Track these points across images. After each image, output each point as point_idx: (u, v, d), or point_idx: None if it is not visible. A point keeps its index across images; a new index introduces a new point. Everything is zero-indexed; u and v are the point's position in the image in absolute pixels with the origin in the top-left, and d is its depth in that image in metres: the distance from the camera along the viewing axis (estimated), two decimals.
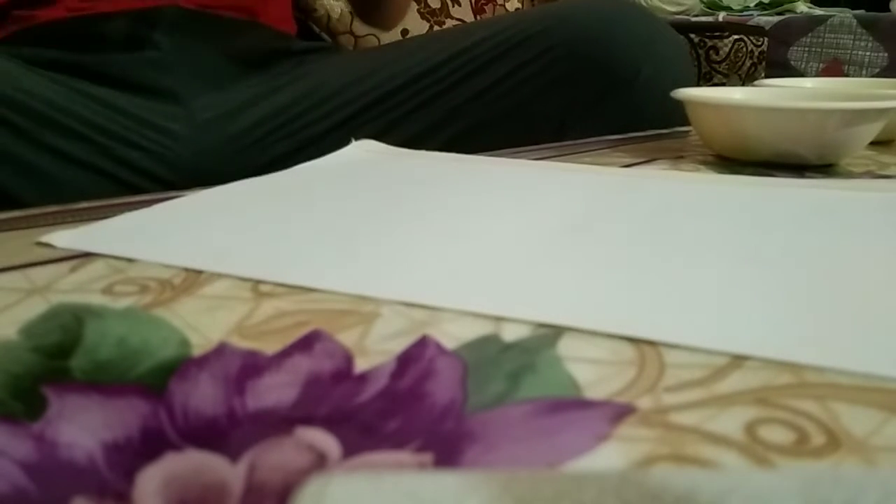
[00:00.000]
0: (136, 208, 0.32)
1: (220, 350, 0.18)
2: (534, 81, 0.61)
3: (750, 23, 2.21)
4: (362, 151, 0.47)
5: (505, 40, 0.62)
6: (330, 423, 0.15)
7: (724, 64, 2.06)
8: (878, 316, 0.20)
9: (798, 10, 2.37)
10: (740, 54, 2.09)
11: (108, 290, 0.22)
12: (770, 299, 0.21)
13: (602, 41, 0.60)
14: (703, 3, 2.47)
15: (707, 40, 2.06)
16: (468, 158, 0.45)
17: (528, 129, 0.61)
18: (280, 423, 0.15)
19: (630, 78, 0.61)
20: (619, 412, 0.15)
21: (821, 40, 2.13)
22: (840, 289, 0.22)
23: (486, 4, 1.19)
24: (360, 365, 0.17)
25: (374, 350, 0.18)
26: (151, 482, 0.13)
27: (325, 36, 1.00)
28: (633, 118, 0.62)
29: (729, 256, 0.26)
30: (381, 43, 0.99)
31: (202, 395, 0.16)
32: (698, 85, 2.03)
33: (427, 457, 0.14)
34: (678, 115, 0.65)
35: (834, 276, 0.24)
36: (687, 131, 0.60)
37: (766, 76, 2.09)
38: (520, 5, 1.26)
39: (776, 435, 0.14)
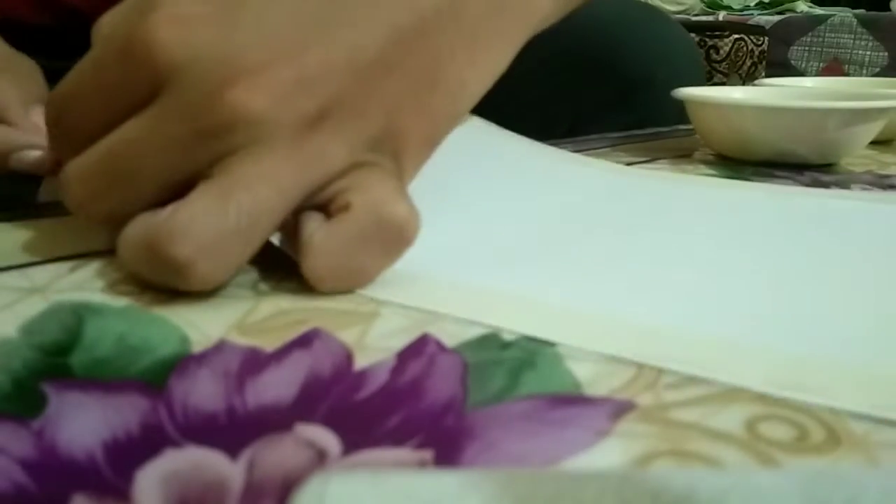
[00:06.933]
0: None
1: (220, 347, 0.18)
2: (542, 85, 0.59)
3: (750, 22, 2.21)
4: None
5: None
6: (330, 419, 0.15)
7: (724, 63, 2.06)
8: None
9: (798, 10, 2.38)
10: (740, 54, 2.09)
11: (107, 289, 0.22)
12: (771, 321, 0.20)
13: (614, 44, 0.58)
14: (704, 2, 2.47)
15: (707, 40, 2.06)
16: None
17: (538, 133, 0.59)
18: (280, 419, 0.15)
19: (644, 82, 0.59)
20: (619, 409, 0.15)
21: (821, 40, 2.13)
22: (840, 309, 0.22)
23: None
24: (360, 362, 0.17)
25: (374, 347, 0.18)
26: (151, 479, 0.13)
27: None
28: (647, 123, 0.60)
29: (727, 269, 0.25)
30: None
31: (202, 392, 0.16)
32: None
33: (427, 454, 0.14)
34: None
35: (835, 291, 0.24)
36: (687, 130, 0.60)
37: (767, 76, 2.09)
38: None
39: (777, 431, 0.14)
